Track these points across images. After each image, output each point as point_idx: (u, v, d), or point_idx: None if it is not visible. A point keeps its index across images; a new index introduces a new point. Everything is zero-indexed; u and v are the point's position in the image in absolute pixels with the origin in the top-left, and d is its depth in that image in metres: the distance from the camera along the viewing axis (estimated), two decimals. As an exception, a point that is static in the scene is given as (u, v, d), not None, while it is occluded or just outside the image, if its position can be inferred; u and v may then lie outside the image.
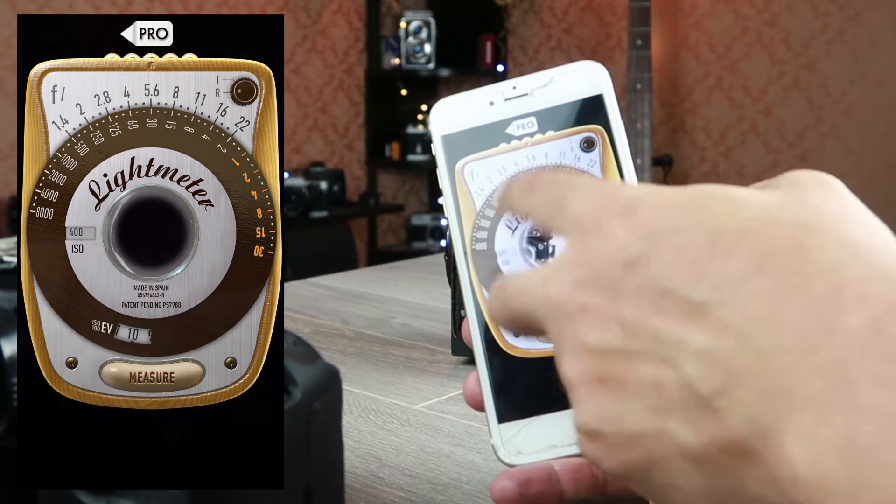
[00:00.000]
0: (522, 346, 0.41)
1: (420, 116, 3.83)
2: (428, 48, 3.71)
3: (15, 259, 0.35)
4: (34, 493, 0.35)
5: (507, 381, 0.41)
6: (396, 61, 3.78)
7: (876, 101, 3.25)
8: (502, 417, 0.41)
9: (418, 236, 3.76)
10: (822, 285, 0.25)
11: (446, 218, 0.43)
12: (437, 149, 0.43)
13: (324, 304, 0.86)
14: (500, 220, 0.42)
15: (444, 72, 3.77)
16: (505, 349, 0.41)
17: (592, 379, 0.28)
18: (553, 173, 0.34)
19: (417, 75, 3.80)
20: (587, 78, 0.42)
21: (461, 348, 0.65)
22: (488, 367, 0.41)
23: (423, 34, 3.71)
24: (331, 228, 3.40)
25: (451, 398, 0.60)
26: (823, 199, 0.29)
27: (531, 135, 0.42)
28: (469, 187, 0.42)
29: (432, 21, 3.72)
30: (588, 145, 0.42)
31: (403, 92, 3.87)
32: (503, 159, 0.42)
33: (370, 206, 3.71)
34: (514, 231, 0.42)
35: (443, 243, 0.69)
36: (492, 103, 0.43)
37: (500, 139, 0.42)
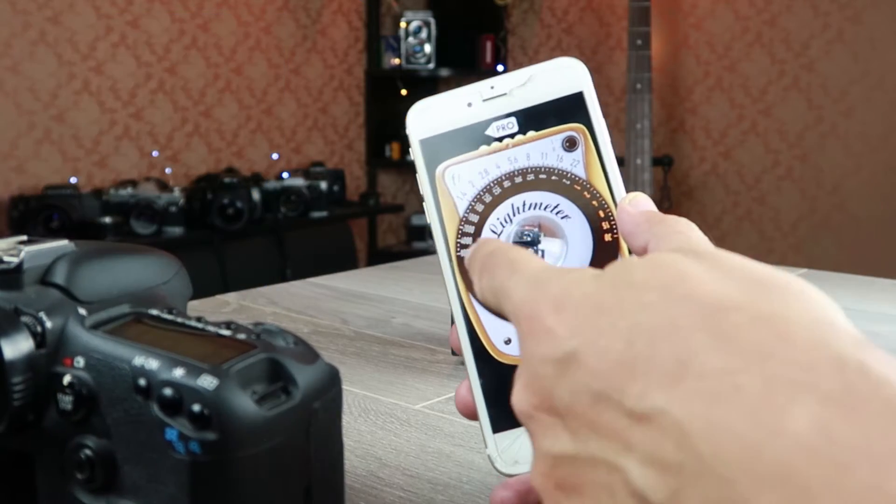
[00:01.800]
0: (513, 354, 0.40)
1: (420, 116, 3.82)
2: (428, 48, 3.71)
3: (15, 259, 0.35)
4: (34, 493, 0.35)
5: (499, 389, 0.39)
6: (396, 61, 3.78)
7: (876, 101, 3.25)
8: (497, 427, 0.39)
9: (418, 236, 3.76)
10: (753, 383, 0.23)
11: (429, 223, 0.42)
12: (416, 153, 0.42)
13: (324, 304, 0.86)
14: (485, 223, 0.41)
15: (444, 72, 3.77)
16: (495, 356, 0.40)
17: (551, 485, 0.27)
18: (496, 254, 0.33)
19: (417, 75, 3.80)
20: (566, 75, 0.41)
21: (461, 348, 0.65)
22: (479, 375, 0.40)
23: (423, 34, 3.71)
24: (331, 228, 3.40)
25: (451, 398, 0.60)
26: (728, 272, 0.28)
27: (512, 136, 0.41)
28: (451, 192, 0.41)
29: (432, 21, 3.72)
30: (570, 144, 0.41)
31: (403, 92, 3.87)
32: (484, 162, 0.41)
33: (370, 206, 3.71)
34: (499, 235, 0.41)
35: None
36: (469, 104, 0.41)
37: (480, 141, 0.41)
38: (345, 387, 0.36)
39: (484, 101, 0.41)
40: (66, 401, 0.33)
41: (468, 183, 0.41)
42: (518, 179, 0.41)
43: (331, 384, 0.34)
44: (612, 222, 0.40)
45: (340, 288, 0.93)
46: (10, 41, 2.87)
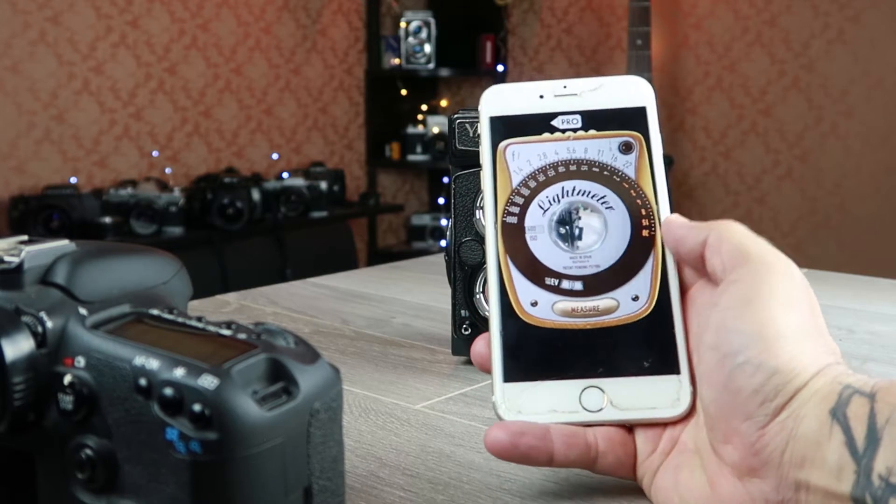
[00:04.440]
0: (538, 315, 0.43)
1: (420, 116, 3.83)
2: (428, 48, 3.71)
3: (16, 259, 0.35)
4: (34, 493, 0.35)
5: (517, 344, 0.43)
6: (396, 61, 3.78)
7: (876, 101, 3.25)
8: (508, 377, 0.43)
9: (418, 236, 3.76)
10: None
11: (482, 190, 0.46)
12: (483, 128, 0.46)
13: (324, 304, 0.86)
14: (535, 199, 0.45)
15: (444, 72, 3.77)
16: (519, 314, 0.43)
17: None
18: None
19: (417, 75, 3.80)
20: (634, 90, 0.46)
21: (461, 348, 0.65)
22: (501, 328, 0.43)
23: (423, 34, 3.71)
24: (331, 228, 3.40)
25: (451, 398, 0.60)
26: None
27: (574, 130, 0.45)
28: (509, 166, 0.45)
29: (432, 21, 3.72)
30: (626, 148, 0.45)
31: (403, 92, 3.87)
32: (545, 146, 0.45)
33: (370, 206, 3.71)
34: (545, 212, 0.45)
35: (443, 243, 0.69)
36: (541, 96, 0.46)
37: (544, 129, 0.46)
38: (345, 387, 0.36)
39: (555, 96, 0.46)
40: (67, 401, 0.33)
41: (526, 161, 0.45)
42: (573, 167, 0.45)
43: (331, 384, 0.34)
44: (652, 220, 0.44)
45: (340, 288, 0.93)
46: (10, 41, 2.87)
